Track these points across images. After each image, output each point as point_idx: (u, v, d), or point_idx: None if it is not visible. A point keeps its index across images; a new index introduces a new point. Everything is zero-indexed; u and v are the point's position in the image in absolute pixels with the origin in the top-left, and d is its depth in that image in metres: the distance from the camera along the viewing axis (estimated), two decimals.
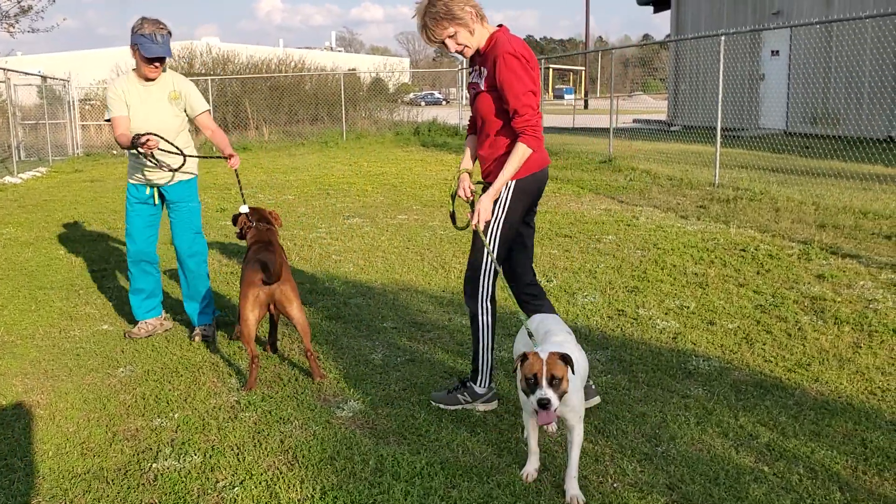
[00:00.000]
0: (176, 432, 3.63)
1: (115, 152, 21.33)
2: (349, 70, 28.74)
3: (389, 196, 10.97)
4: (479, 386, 3.77)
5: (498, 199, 3.58)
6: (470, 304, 3.78)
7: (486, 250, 3.63)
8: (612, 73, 16.74)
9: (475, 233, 3.67)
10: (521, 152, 3.46)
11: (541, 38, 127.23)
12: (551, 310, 3.92)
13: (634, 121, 26.55)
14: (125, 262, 5.30)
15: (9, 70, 15.79)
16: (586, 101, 45.53)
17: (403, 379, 4.19)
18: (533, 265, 3.98)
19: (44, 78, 18.24)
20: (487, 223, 3.60)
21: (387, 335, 4.95)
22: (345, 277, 6.41)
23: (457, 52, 3.54)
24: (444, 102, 56.41)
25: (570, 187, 11.35)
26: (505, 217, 3.61)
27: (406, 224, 8.71)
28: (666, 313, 5.23)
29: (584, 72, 53.11)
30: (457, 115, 24.83)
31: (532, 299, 3.91)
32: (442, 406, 3.80)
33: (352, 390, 4.07)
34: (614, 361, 4.39)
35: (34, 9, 15.46)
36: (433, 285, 6.09)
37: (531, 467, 3.16)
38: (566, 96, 54.45)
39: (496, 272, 3.68)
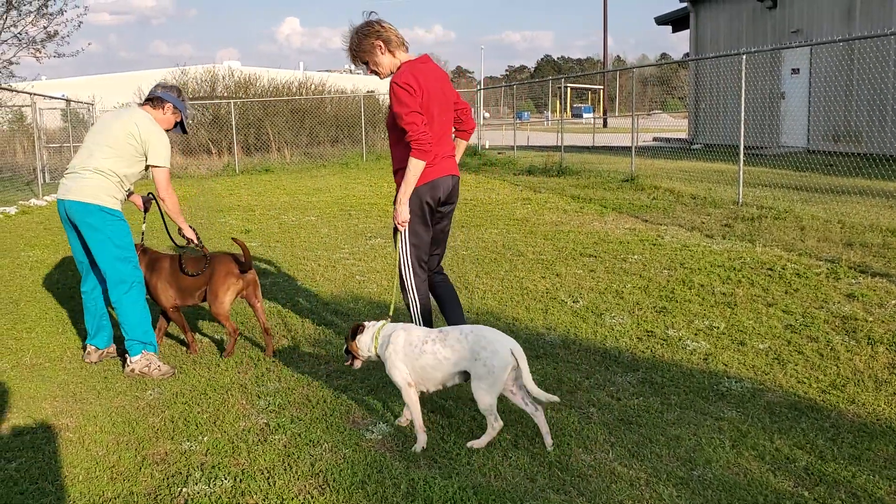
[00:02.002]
0: (206, 456, 3.62)
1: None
2: (368, 92, 28.93)
3: None
4: None
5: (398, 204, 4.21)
6: (403, 297, 4.44)
7: (399, 251, 4.32)
8: (634, 91, 16.72)
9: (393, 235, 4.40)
10: (411, 165, 4.07)
11: (558, 58, 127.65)
12: (452, 286, 4.70)
13: (654, 139, 26.50)
14: None
15: (35, 94, 16.00)
16: (605, 120, 45.51)
17: (431, 401, 4.15)
18: (440, 259, 4.67)
19: (68, 101, 18.49)
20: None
21: None
22: (369, 298, 6.40)
23: (371, 73, 4.33)
24: None
25: (592, 206, 11.31)
26: (408, 222, 4.25)
27: None
28: (696, 334, 5.17)
29: (602, 90, 53.13)
30: (475, 135, 24.86)
31: (435, 283, 4.62)
32: None
33: (380, 412, 4.04)
34: (645, 384, 4.34)
35: (60, 34, 15.68)
36: None
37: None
38: (585, 115, 54.48)
39: (414, 269, 4.34)
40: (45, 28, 15.54)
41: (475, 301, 6.18)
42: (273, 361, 4.92)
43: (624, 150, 19.01)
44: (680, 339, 5.06)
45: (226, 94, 25.60)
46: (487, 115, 68.15)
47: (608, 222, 9.83)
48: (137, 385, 4.59)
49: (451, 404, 4.09)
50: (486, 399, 3.49)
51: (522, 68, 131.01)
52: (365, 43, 4.21)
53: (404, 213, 4.17)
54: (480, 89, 28.84)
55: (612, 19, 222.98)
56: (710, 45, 22.81)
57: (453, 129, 4.60)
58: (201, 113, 25.10)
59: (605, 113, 49.67)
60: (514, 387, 3.57)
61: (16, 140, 20.74)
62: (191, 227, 5.10)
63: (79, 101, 21.28)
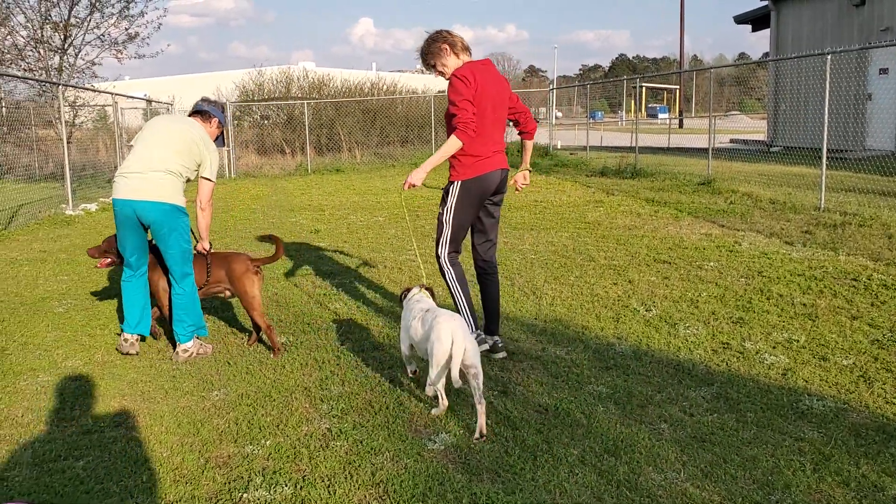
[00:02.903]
0: (267, 460, 3.60)
1: None
2: (439, 92, 28.92)
3: None
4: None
5: (450, 194, 4.76)
6: (439, 268, 4.88)
7: (441, 229, 4.81)
8: (711, 91, 16.29)
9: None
10: (449, 140, 4.52)
11: (633, 57, 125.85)
12: (497, 285, 5.05)
13: (731, 141, 25.81)
14: None
15: (116, 94, 16.47)
16: (681, 121, 44.59)
17: (496, 412, 4.05)
18: (492, 248, 5.05)
19: (149, 101, 19.01)
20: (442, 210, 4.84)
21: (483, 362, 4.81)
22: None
23: (438, 74, 4.79)
24: None
25: (667, 210, 11.03)
26: (454, 210, 4.74)
27: None
28: (774, 347, 4.94)
29: (678, 90, 52.10)
30: (546, 135, 24.62)
31: (483, 273, 5.03)
32: None
33: (443, 422, 3.96)
34: (720, 399, 4.15)
35: (140, 35, 16.09)
36: (524, 312, 5.94)
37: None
38: (660, 115, 53.49)
39: (449, 248, 4.80)
40: (126, 30, 16.02)
41: (543, 307, 6.05)
42: (337, 364, 4.89)
43: (700, 152, 18.55)
44: (757, 353, 4.84)
45: (300, 95, 25.95)
46: (560, 114, 67.54)
47: (683, 227, 9.55)
48: (204, 385, 4.62)
49: (516, 416, 3.99)
50: (431, 376, 3.87)
51: (596, 67, 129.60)
52: (433, 46, 4.73)
53: (416, 176, 4.60)
54: (552, 89, 28.56)
55: (689, 18, 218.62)
56: (792, 44, 22.06)
57: (518, 132, 5.10)
58: (276, 113, 25.52)
59: (680, 113, 48.69)
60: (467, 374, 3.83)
61: (99, 138, 21.38)
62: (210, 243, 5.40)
63: (158, 101, 21.85)
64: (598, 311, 5.89)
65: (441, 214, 4.80)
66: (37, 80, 15.39)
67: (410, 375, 4.51)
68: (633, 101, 44.07)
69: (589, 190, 14.09)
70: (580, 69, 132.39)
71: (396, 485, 3.31)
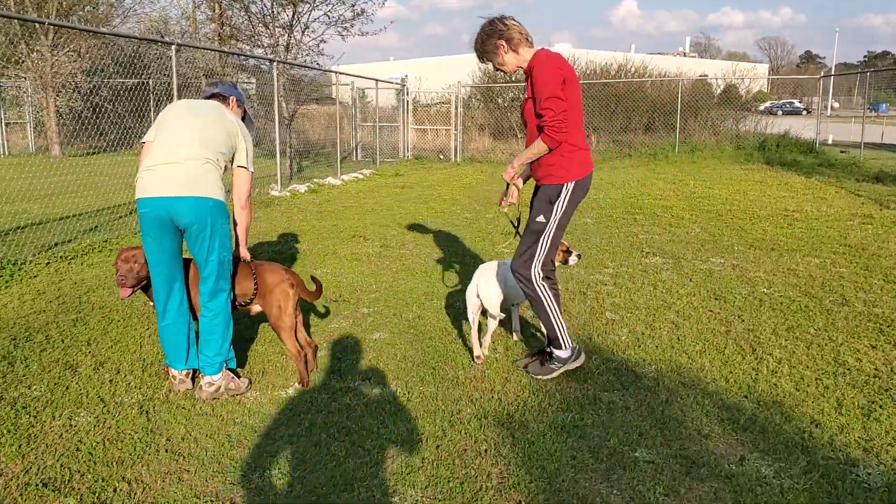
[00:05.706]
0: None
1: (441, 156, 21.41)
2: (701, 76, 26.31)
3: (708, 227, 8.98)
4: (563, 350, 4.27)
5: (558, 199, 4.14)
6: (527, 290, 4.25)
7: (537, 243, 4.18)
8: None
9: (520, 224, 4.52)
10: (538, 145, 4.02)
11: None
12: (555, 287, 4.39)
13: None
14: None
15: (340, 73, 16.18)
16: None
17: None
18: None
19: (376, 81, 18.67)
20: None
21: (634, 474, 3.26)
22: (610, 351, 4.78)
23: (497, 70, 4.27)
24: (804, 112, 51.02)
25: None
26: (559, 219, 4.16)
27: (719, 272, 6.76)
28: None
29: None
30: (814, 127, 21.42)
31: (553, 285, 4.37)
32: (541, 378, 4.26)
33: None
34: None
35: (367, 13, 15.55)
36: (732, 383, 4.22)
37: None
38: None
39: (543, 265, 4.23)
40: (352, 6, 15.55)
41: (761, 378, 4.29)
42: (437, 447, 3.55)
43: None
44: None
45: None
46: (837, 104, 60.60)
47: None
48: (253, 460, 3.48)
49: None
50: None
51: (885, 55, 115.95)
52: (488, 43, 4.22)
53: (507, 172, 4.20)
54: (823, 76, 24.86)
55: None
56: None
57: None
58: (515, 96, 24.51)
59: None
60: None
61: (344, 118, 21.55)
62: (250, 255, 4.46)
63: (389, 82, 21.64)
64: (842, 393, 4.05)
65: (540, 225, 4.19)
66: (250, 56, 15.44)
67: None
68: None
69: (857, 200, 11.46)
70: (865, 56, 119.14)
71: None
